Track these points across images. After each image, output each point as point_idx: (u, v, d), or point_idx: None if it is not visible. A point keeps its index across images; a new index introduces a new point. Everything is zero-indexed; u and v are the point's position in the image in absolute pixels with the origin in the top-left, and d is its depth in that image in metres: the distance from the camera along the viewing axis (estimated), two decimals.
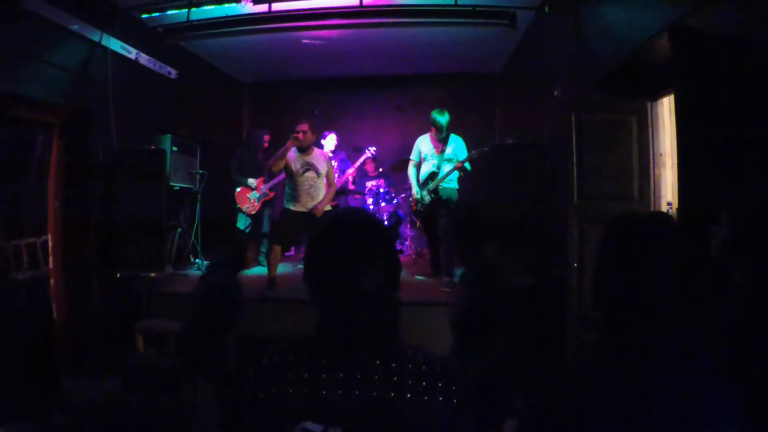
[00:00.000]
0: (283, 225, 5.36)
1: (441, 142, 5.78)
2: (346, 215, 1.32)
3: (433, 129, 5.76)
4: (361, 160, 7.48)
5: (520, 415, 3.34)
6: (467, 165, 5.63)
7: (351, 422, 1.14)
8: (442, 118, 5.66)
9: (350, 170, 7.40)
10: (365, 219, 1.28)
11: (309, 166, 5.27)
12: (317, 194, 5.35)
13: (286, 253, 7.10)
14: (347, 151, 8.14)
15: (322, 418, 1.14)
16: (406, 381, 1.17)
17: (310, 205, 5.29)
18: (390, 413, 1.14)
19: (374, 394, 1.16)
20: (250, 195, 6.84)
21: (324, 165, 5.37)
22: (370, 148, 7.44)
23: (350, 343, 1.21)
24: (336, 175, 6.94)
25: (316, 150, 5.37)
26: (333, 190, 5.55)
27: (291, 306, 4.85)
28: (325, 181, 5.42)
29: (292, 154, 5.26)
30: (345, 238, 1.23)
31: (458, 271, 5.38)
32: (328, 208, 5.45)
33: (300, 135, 5.15)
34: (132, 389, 4.22)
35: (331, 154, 7.19)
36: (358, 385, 1.16)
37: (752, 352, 1.61)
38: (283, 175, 6.51)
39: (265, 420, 1.20)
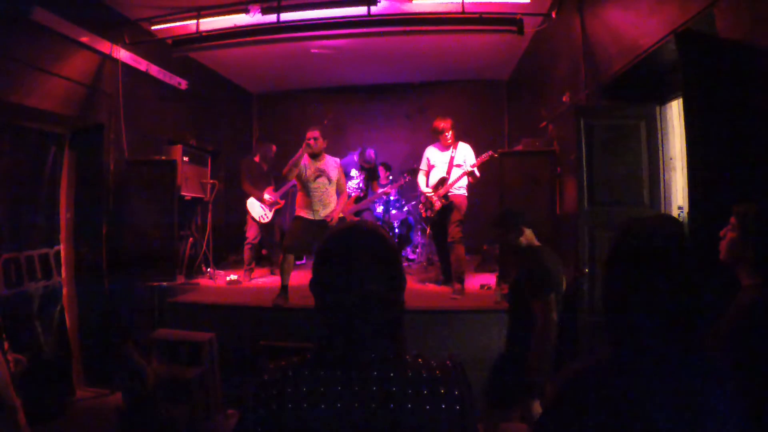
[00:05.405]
0: (296, 233, 5.32)
1: (449, 149, 5.80)
2: (357, 225, 1.34)
3: (440, 137, 5.82)
4: (398, 185, 7.33)
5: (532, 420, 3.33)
6: (476, 171, 5.63)
7: None
8: (445, 124, 5.78)
9: (389, 188, 7.25)
10: (375, 230, 1.29)
11: (321, 173, 5.29)
12: (329, 201, 5.36)
13: (297, 262, 7.04)
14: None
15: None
16: (405, 389, 1.15)
17: (322, 212, 5.30)
18: (390, 424, 1.13)
19: (373, 405, 1.14)
20: (262, 204, 6.81)
21: (335, 172, 5.39)
22: (404, 173, 7.36)
23: (351, 351, 1.19)
24: (351, 185, 6.96)
25: (327, 157, 5.38)
26: (345, 198, 5.57)
27: (300, 315, 4.87)
28: (336, 188, 5.44)
29: (305, 161, 5.28)
30: (355, 245, 1.23)
31: None
32: (341, 215, 5.47)
33: (311, 141, 5.19)
34: (142, 398, 4.24)
35: (373, 156, 7.20)
36: (356, 398, 1.15)
37: (757, 356, 1.60)
38: (290, 183, 6.54)
39: None
